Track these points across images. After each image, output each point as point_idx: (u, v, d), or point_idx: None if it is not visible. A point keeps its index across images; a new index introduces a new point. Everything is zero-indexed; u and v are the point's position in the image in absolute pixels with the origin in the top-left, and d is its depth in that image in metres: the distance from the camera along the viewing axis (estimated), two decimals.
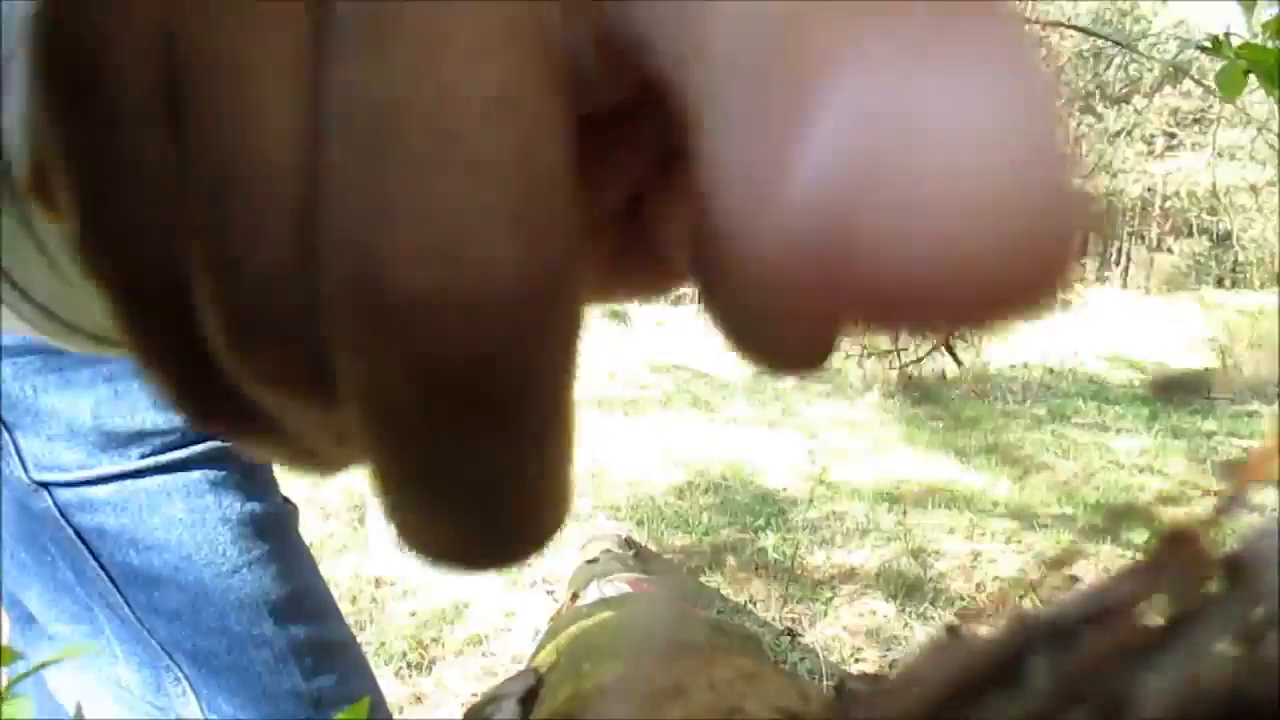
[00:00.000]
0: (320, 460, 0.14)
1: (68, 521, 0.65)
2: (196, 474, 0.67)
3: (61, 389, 0.64)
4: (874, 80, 0.06)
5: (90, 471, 0.65)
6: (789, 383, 7.21)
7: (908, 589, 2.47)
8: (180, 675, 0.66)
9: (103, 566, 0.66)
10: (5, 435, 0.64)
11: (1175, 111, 16.85)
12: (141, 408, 0.65)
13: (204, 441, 0.67)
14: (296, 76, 0.10)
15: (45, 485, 0.64)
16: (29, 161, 0.13)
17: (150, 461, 0.66)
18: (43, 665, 0.46)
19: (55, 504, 0.64)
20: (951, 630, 0.12)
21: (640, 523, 2.95)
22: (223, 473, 0.68)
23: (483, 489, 0.11)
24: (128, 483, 0.65)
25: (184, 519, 0.66)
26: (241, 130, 0.10)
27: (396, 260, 0.09)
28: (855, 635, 2.18)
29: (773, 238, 0.07)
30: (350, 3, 0.09)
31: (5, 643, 0.86)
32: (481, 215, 0.09)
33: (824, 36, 0.07)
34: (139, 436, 0.66)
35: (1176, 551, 0.10)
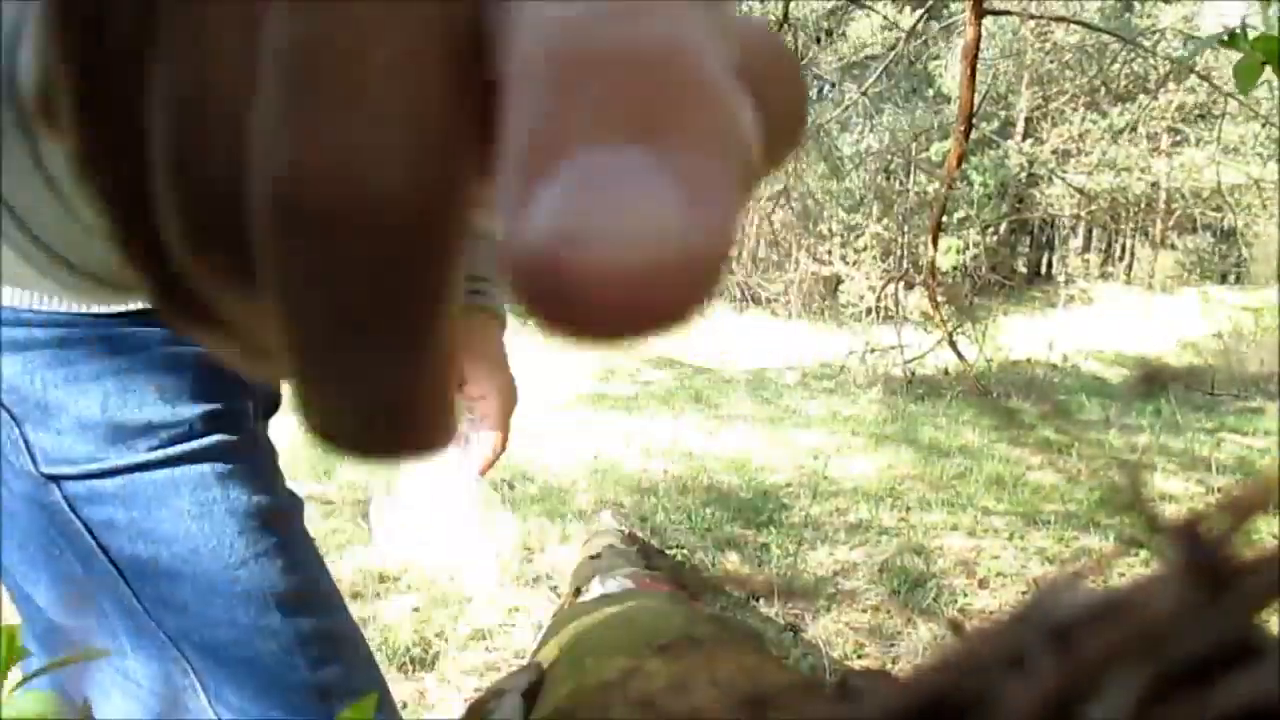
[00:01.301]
0: (273, 360, 0.16)
1: (76, 514, 0.65)
2: (204, 467, 0.67)
3: (70, 383, 0.64)
4: (592, 170, 0.10)
5: (99, 464, 0.65)
6: (791, 380, 7.20)
7: (910, 585, 2.47)
8: (188, 667, 0.66)
9: (111, 559, 0.66)
10: (16, 429, 0.64)
11: (1180, 108, 16.79)
12: (149, 401, 0.66)
13: (211, 435, 0.67)
14: (249, 22, 0.12)
15: (55, 478, 0.64)
16: (40, 91, 0.16)
17: (158, 454, 0.66)
18: (60, 664, 0.46)
19: (64, 497, 0.65)
20: (955, 627, 0.12)
21: (643, 519, 2.95)
22: (230, 466, 0.68)
23: (377, 383, 0.13)
24: (136, 476, 0.65)
25: (191, 511, 0.66)
26: (203, 64, 0.12)
27: (307, 178, 0.11)
28: (858, 631, 2.18)
29: (514, 252, 0.10)
30: None
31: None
32: (378, 151, 0.11)
33: (574, 128, 0.10)
34: (147, 430, 0.66)
35: (1181, 548, 0.10)
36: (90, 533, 0.65)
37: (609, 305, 0.10)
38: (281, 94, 0.11)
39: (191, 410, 0.67)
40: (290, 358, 0.13)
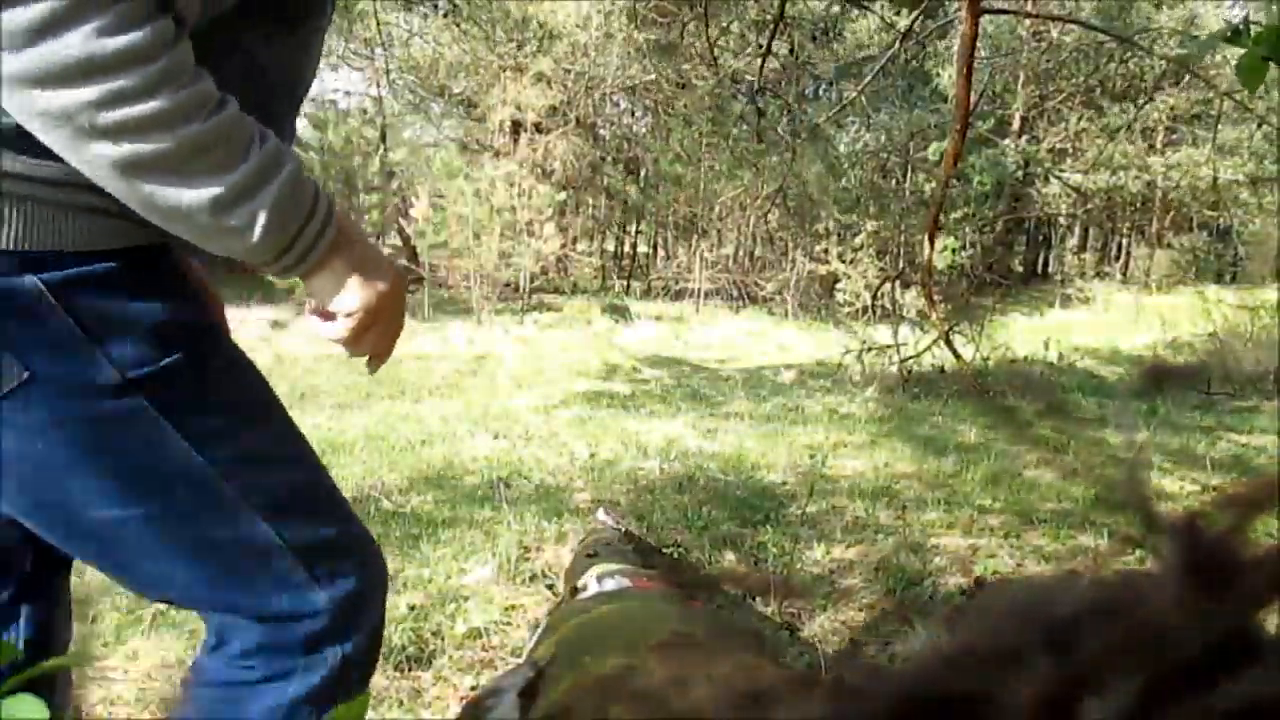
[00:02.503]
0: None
1: (156, 406, 0.74)
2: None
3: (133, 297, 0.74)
4: (329, 315, 0.80)
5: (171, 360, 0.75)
6: (788, 378, 7.20)
7: (907, 584, 2.48)
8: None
9: (188, 439, 0.76)
10: (94, 348, 0.72)
11: (1176, 107, 16.81)
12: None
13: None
14: None
15: (137, 381, 0.73)
16: None
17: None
18: (56, 665, 0.46)
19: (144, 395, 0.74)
20: (952, 625, 0.12)
21: (640, 517, 2.95)
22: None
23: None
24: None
25: None
26: None
27: None
28: (854, 629, 2.18)
29: (324, 336, 0.78)
30: None
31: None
32: None
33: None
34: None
35: (1179, 546, 0.10)
36: (169, 420, 0.77)
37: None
38: None
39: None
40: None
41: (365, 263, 0.77)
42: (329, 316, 0.79)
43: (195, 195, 0.65)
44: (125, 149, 0.62)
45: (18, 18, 0.57)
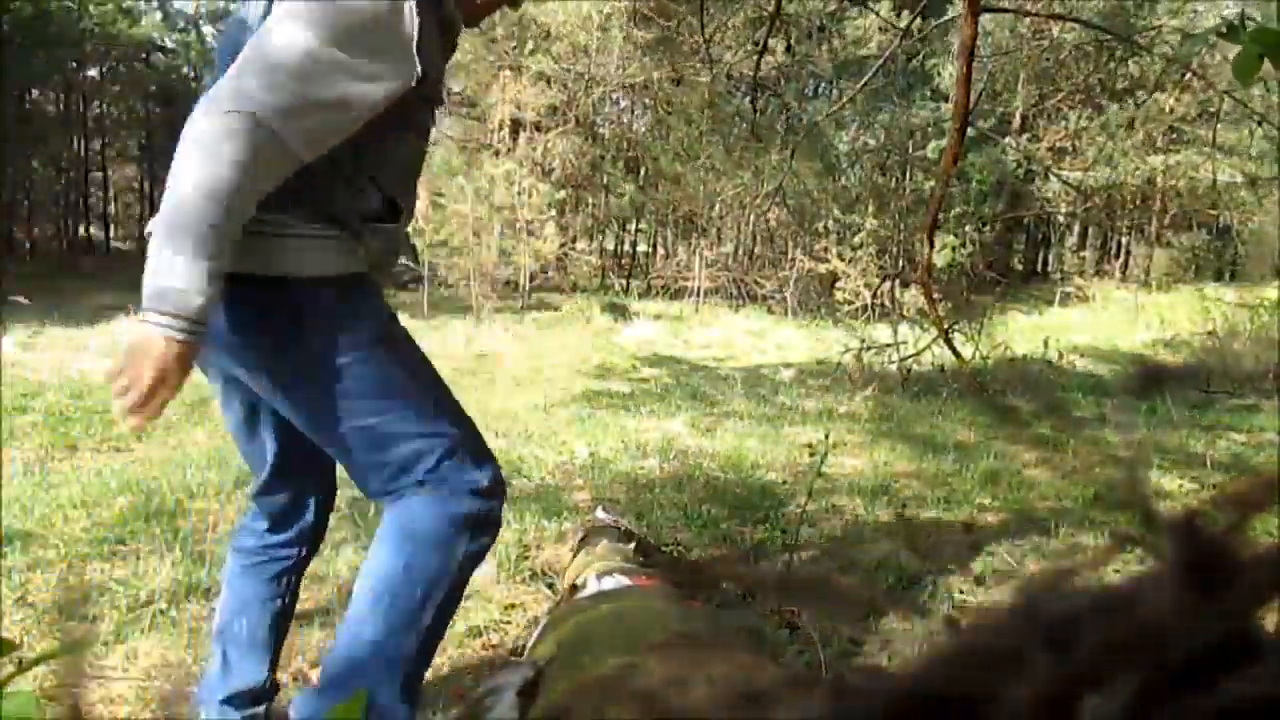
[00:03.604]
0: None
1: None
2: None
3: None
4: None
5: None
6: (787, 377, 7.20)
7: (906, 582, 2.48)
8: None
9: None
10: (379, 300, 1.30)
11: (1176, 107, 16.81)
12: None
13: None
14: None
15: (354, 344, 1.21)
16: None
17: None
18: (51, 655, 0.46)
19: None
20: (951, 623, 0.12)
21: (639, 516, 2.95)
22: None
23: None
24: None
25: None
26: None
27: None
28: (854, 628, 2.18)
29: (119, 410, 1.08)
30: None
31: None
32: None
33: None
34: None
35: (1178, 545, 0.10)
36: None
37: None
38: None
39: None
40: None
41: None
42: None
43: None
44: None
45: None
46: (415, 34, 1.11)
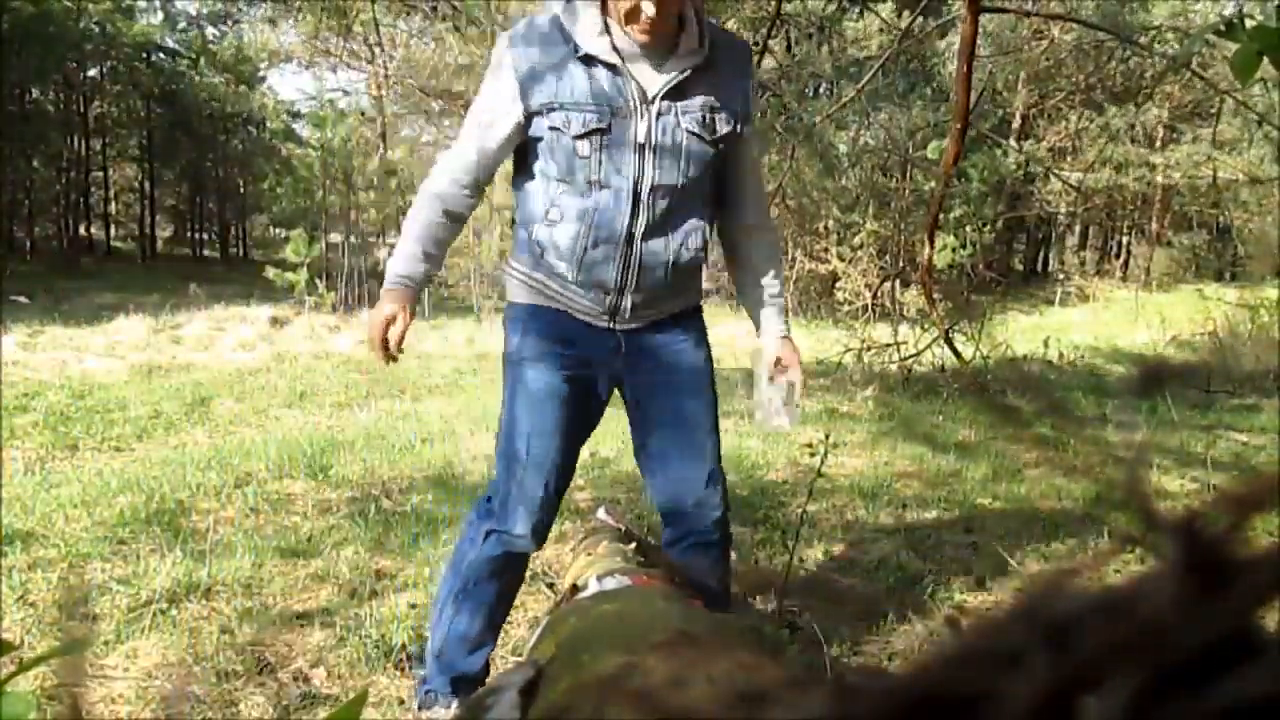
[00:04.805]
0: None
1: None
2: None
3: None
4: None
5: None
6: None
7: (906, 582, 2.48)
8: None
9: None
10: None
11: (1176, 105, 16.81)
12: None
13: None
14: None
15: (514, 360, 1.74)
16: None
17: None
18: (52, 655, 0.46)
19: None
20: (951, 623, 0.12)
21: (640, 516, 2.95)
22: None
23: None
24: None
25: None
26: None
27: None
28: (854, 628, 2.18)
29: None
30: None
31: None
32: None
33: None
34: None
35: (1178, 545, 0.10)
36: None
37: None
38: None
39: None
40: None
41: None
42: None
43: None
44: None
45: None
46: None
